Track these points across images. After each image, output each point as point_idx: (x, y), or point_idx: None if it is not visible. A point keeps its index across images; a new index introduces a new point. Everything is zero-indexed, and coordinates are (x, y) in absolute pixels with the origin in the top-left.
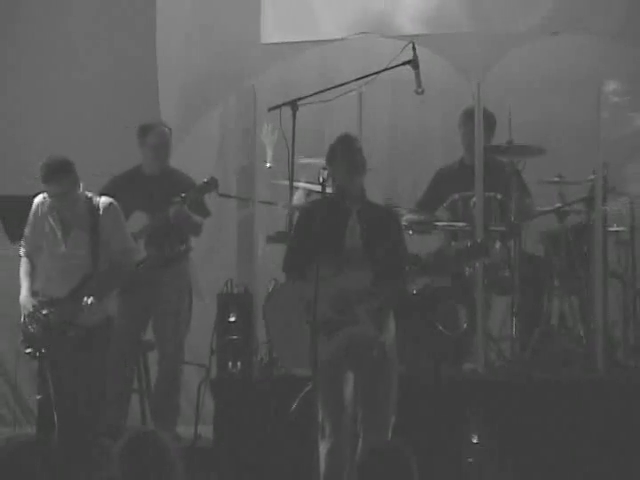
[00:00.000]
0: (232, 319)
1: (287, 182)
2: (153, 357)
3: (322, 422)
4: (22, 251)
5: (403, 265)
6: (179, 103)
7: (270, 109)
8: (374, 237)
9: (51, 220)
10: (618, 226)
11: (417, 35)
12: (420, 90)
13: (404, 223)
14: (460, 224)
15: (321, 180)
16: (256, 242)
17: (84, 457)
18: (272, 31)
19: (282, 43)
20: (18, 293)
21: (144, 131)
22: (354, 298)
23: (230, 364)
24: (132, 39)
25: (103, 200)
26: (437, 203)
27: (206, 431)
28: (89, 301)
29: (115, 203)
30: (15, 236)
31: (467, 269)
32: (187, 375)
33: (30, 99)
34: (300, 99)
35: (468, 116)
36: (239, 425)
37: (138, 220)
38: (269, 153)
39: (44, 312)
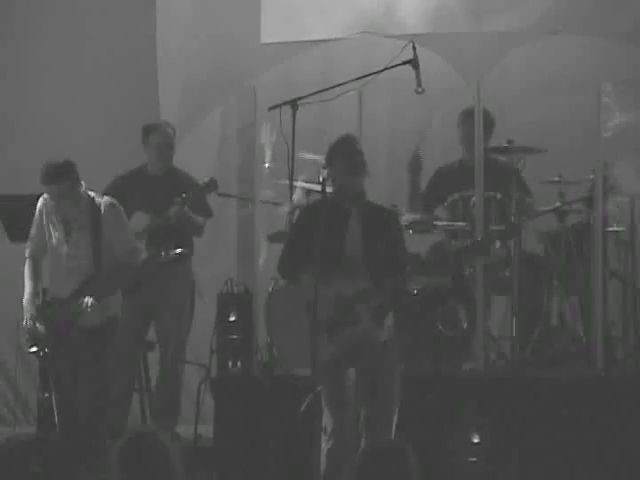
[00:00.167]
0: (232, 319)
1: (287, 181)
2: (153, 357)
3: (324, 421)
4: (27, 252)
5: (403, 265)
6: (179, 103)
7: (270, 108)
8: (374, 237)
9: (54, 220)
10: (618, 225)
11: (417, 35)
12: (420, 90)
13: (404, 223)
14: (460, 224)
15: (321, 179)
16: (256, 242)
17: (84, 457)
18: (272, 31)
19: (282, 43)
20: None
21: (148, 131)
22: (355, 298)
23: (230, 364)
24: (132, 39)
25: (105, 200)
26: (437, 202)
27: (206, 431)
28: (89, 302)
29: (117, 203)
30: (15, 236)
31: (467, 269)
32: (187, 375)
33: (30, 98)
34: (300, 99)
35: (467, 115)
36: (239, 425)
37: (141, 220)
38: (268, 153)
39: (48, 312)
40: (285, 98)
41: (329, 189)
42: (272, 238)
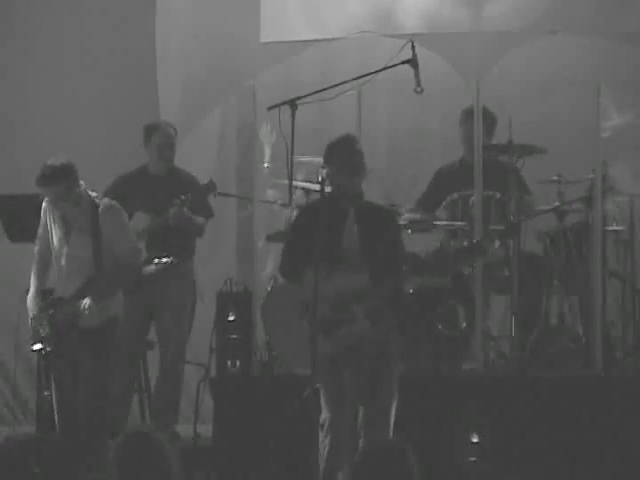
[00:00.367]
0: (231, 318)
1: (286, 181)
2: (152, 356)
3: (322, 420)
4: (36, 249)
5: (401, 264)
6: (179, 102)
7: (269, 108)
8: (372, 237)
9: (55, 221)
10: (617, 225)
11: (416, 34)
12: (419, 89)
13: (403, 222)
14: (459, 223)
15: (320, 179)
16: (256, 241)
17: (84, 457)
18: (271, 30)
19: (281, 42)
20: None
21: (149, 131)
22: (352, 297)
23: (229, 363)
24: (132, 39)
25: (104, 202)
26: (437, 202)
27: (205, 430)
28: (86, 304)
29: (116, 204)
30: (15, 236)
31: (466, 269)
32: (186, 374)
33: (29, 98)
34: (299, 98)
35: (468, 115)
36: (238, 424)
37: (142, 220)
38: (267, 153)
39: (51, 312)
40: (284, 98)
41: (328, 189)
42: (271, 238)
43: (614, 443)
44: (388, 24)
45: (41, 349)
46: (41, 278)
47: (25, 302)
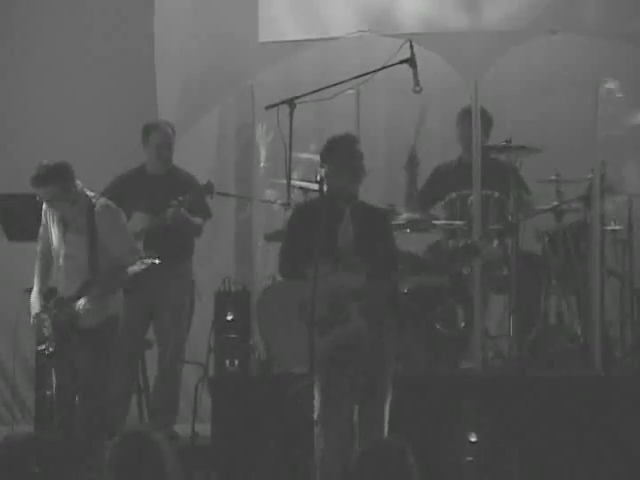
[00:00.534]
0: (230, 317)
1: (282, 180)
2: (150, 356)
3: (318, 419)
4: (38, 249)
5: (395, 264)
6: (177, 102)
7: (268, 107)
8: (366, 237)
9: (53, 221)
10: (615, 224)
11: (415, 34)
12: (418, 89)
13: (401, 221)
14: (458, 222)
15: (318, 178)
16: (254, 240)
17: (83, 456)
18: (270, 30)
19: (280, 42)
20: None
21: (148, 131)
22: (348, 296)
23: (228, 362)
24: (130, 38)
25: (100, 202)
26: (433, 200)
27: (204, 429)
28: (81, 304)
29: (113, 205)
30: (13, 235)
31: (465, 268)
32: (185, 374)
33: (28, 98)
34: (298, 97)
35: (465, 115)
36: (237, 423)
37: (140, 220)
38: (263, 153)
39: (53, 312)
40: (283, 97)
41: (312, 185)
42: (270, 237)
43: (613, 443)
44: (386, 24)
45: (44, 349)
46: (43, 277)
47: (24, 302)
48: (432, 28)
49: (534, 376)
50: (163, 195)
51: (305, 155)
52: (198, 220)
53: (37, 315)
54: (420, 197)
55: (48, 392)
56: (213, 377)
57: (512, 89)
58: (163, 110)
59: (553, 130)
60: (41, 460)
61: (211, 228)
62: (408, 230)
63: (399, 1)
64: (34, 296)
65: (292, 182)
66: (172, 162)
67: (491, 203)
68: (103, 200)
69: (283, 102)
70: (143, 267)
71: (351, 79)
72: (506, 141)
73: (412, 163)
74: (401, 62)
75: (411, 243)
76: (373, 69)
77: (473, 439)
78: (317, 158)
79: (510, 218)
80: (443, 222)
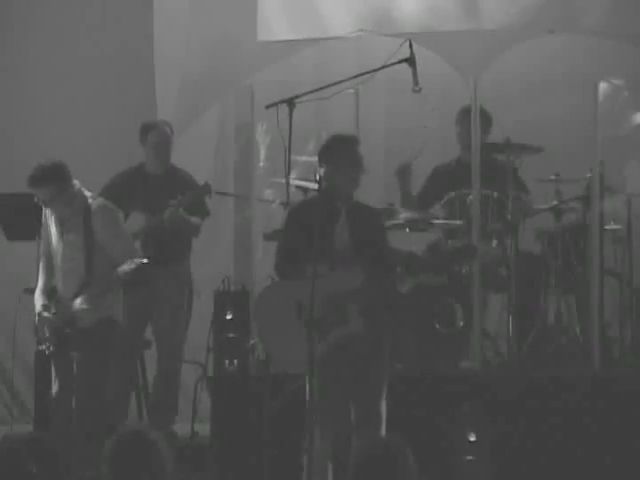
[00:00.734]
0: (229, 317)
1: (281, 180)
2: (149, 355)
3: (313, 420)
4: (40, 249)
5: (390, 264)
6: (176, 102)
7: (267, 107)
8: (362, 237)
9: (53, 220)
10: (615, 224)
11: (414, 33)
12: (417, 88)
13: (400, 221)
14: (457, 222)
15: (318, 177)
16: (253, 240)
17: (82, 455)
18: (269, 29)
19: (279, 41)
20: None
21: (146, 130)
22: (346, 298)
23: (227, 362)
24: (129, 38)
25: (96, 202)
26: (433, 201)
27: (203, 429)
28: (77, 304)
29: (110, 205)
30: (12, 235)
31: (464, 267)
32: (184, 373)
33: (27, 98)
34: (297, 97)
35: (464, 114)
36: (236, 423)
37: (138, 219)
38: (262, 152)
39: (53, 311)
40: (282, 97)
41: (311, 185)
42: (269, 237)
43: (612, 442)
44: (386, 23)
45: (44, 349)
46: (46, 277)
47: (23, 301)
48: (431, 28)
49: (533, 375)
50: (161, 194)
51: (303, 158)
52: (196, 220)
53: (39, 314)
54: (419, 197)
55: (48, 391)
56: (212, 376)
57: (511, 89)
58: (162, 110)
59: (552, 130)
60: (40, 460)
61: (210, 227)
62: (407, 229)
63: (398, 1)
64: (37, 294)
65: (291, 181)
66: (170, 161)
67: (490, 203)
68: (100, 200)
69: (282, 101)
70: (132, 267)
71: (350, 78)
72: (505, 140)
73: (403, 171)
74: (400, 62)
75: (410, 242)
76: (372, 69)
77: (472, 438)
78: (315, 159)
79: (509, 218)
80: (442, 221)
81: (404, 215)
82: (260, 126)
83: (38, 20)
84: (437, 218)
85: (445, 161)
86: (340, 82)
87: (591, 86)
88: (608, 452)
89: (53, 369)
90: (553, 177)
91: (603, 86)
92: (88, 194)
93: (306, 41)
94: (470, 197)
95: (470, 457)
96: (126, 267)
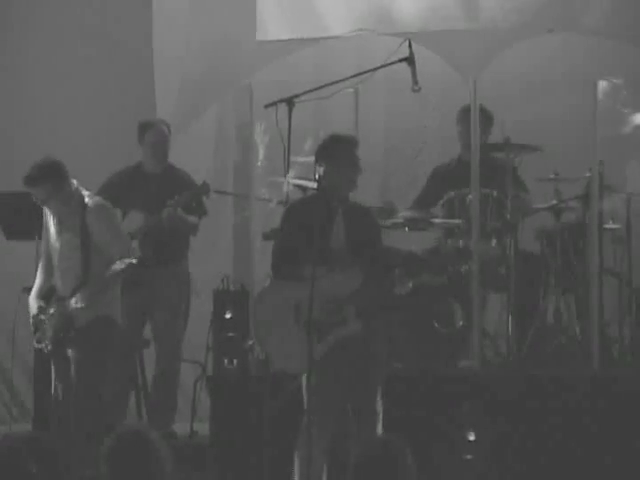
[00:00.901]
0: (228, 316)
1: (280, 179)
2: (148, 355)
3: (311, 420)
4: (41, 249)
5: (386, 264)
6: (176, 100)
7: (266, 106)
8: (358, 237)
9: (52, 219)
10: (614, 223)
11: (413, 32)
12: (417, 87)
13: (400, 220)
14: (456, 221)
15: (317, 177)
16: (253, 239)
17: (80, 454)
18: (268, 28)
19: (278, 41)
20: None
21: (143, 129)
22: (343, 299)
23: (226, 361)
24: (129, 37)
25: (93, 201)
26: (435, 200)
27: (202, 428)
28: (73, 302)
29: (106, 204)
30: (11, 234)
31: (463, 267)
32: (183, 372)
33: (27, 97)
34: (296, 96)
35: (465, 113)
36: (235, 422)
37: (137, 218)
38: (261, 151)
39: (51, 311)
40: (281, 96)
41: (309, 183)
42: (268, 236)
43: (610, 441)
44: (385, 23)
45: (43, 347)
46: (45, 277)
47: (22, 301)
48: (431, 27)
49: (532, 375)
50: (159, 194)
51: (302, 158)
52: (194, 219)
53: (34, 316)
54: (421, 198)
55: (47, 391)
56: (212, 376)
57: (510, 88)
58: (161, 109)
59: (551, 129)
60: (39, 459)
61: (210, 227)
62: (407, 229)
63: (398, 0)
64: (32, 297)
65: (290, 180)
66: (168, 160)
67: (490, 202)
68: (96, 199)
69: (282, 101)
70: (122, 266)
71: (350, 78)
72: (504, 140)
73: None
74: (400, 61)
75: (410, 242)
76: (372, 68)
77: (471, 438)
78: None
79: (508, 217)
80: (441, 221)
81: (403, 214)
82: (259, 125)
83: (38, 20)
84: (436, 217)
85: (445, 161)
86: (339, 81)
87: (590, 85)
88: (608, 452)
89: (52, 368)
90: (552, 176)
91: (602, 84)
92: (85, 193)
93: (305, 41)
94: (469, 196)
95: (469, 456)
96: (116, 267)
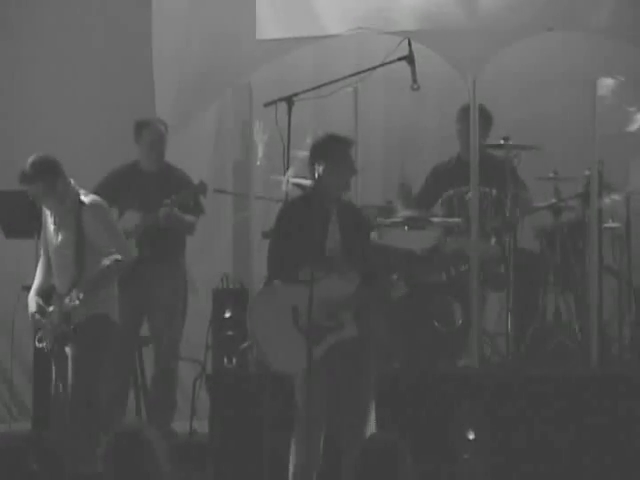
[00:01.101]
0: (228, 315)
1: (279, 177)
2: (148, 354)
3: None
4: (41, 247)
5: (382, 265)
6: (175, 99)
7: (266, 105)
8: (352, 237)
9: (49, 217)
10: (613, 222)
11: (413, 31)
12: (416, 86)
13: (399, 219)
14: (455, 220)
15: (316, 175)
16: (252, 238)
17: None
18: (267, 27)
19: (277, 39)
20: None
21: (140, 127)
22: (340, 303)
23: (225, 360)
24: (128, 35)
25: (88, 199)
26: (434, 199)
27: (201, 426)
28: (67, 300)
29: (101, 203)
30: (10, 232)
31: (462, 266)
32: (183, 371)
33: (26, 96)
34: (296, 95)
35: (465, 112)
36: (234, 420)
37: (134, 217)
38: (260, 150)
39: (50, 309)
40: (281, 95)
41: (308, 182)
42: (267, 235)
43: (609, 440)
44: (384, 21)
45: (43, 347)
46: (44, 275)
47: (22, 299)
48: (430, 26)
49: (531, 373)
50: (156, 192)
51: (302, 153)
52: (190, 218)
53: (32, 315)
54: (420, 197)
55: (46, 390)
56: (211, 374)
57: (510, 87)
58: (161, 108)
59: (551, 128)
60: (40, 457)
61: (209, 225)
62: (406, 228)
63: None
64: (31, 295)
65: (289, 179)
66: (164, 159)
67: (489, 201)
68: (92, 197)
69: (281, 99)
70: (108, 263)
71: (349, 76)
72: (504, 139)
73: (404, 193)
74: (399, 59)
75: (409, 241)
76: (371, 66)
77: (471, 437)
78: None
79: (508, 216)
80: (441, 219)
81: (403, 213)
82: (258, 124)
83: (37, 20)
84: (436, 216)
85: (445, 159)
86: (339, 80)
87: (590, 84)
88: (607, 450)
89: (53, 368)
90: (552, 175)
91: (603, 81)
92: (81, 191)
93: (305, 39)
94: (469, 195)
95: (468, 455)
96: (103, 263)
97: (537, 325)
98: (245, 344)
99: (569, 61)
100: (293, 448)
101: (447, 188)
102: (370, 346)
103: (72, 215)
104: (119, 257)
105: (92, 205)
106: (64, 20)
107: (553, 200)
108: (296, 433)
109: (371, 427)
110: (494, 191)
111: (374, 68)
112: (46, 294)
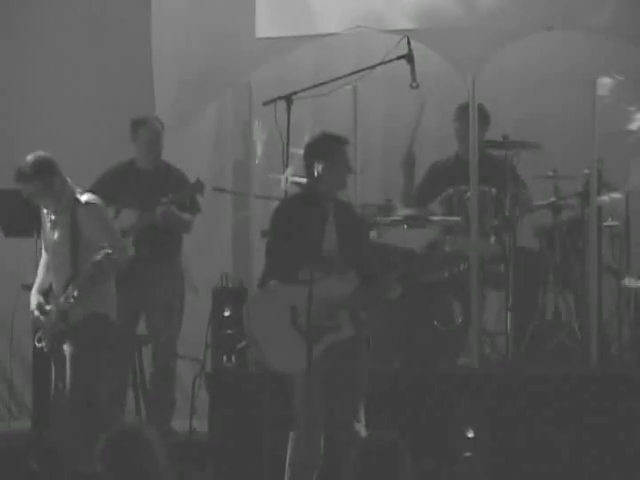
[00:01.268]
0: (227, 313)
1: (278, 176)
2: (147, 353)
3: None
4: (42, 245)
5: (382, 265)
6: (175, 99)
7: (265, 103)
8: (348, 238)
9: (46, 216)
10: (612, 220)
11: (412, 30)
12: (415, 85)
13: (398, 218)
14: (454, 219)
15: (316, 174)
16: (252, 236)
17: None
18: (267, 26)
19: (277, 38)
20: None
21: (136, 126)
22: (339, 304)
23: (225, 358)
24: (127, 34)
25: (84, 198)
26: (431, 197)
27: (201, 425)
28: (63, 299)
29: (97, 201)
30: (10, 231)
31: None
32: (182, 369)
33: (25, 95)
34: (295, 93)
35: (463, 111)
36: (234, 419)
37: (130, 216)
38: (259, 149)
39: (47, 308)
40: (280, 93)
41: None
42: (266, 233)
43: (608, 440)
44: (384, 19)
45: (42, 346)
46: (44, 272)
47: (21, 298)
48: (429, 25)
49: (531, 372)
50: (152, 190)
51: (302, 151)
52: (187, 216)
53: (32, 312)
54: (418, 194)
55: (46, 389)
56: (210, 373)
57: (509, 86)
58: (160, 107)
59: (550, 126)
60: (39, 456)
61: (208, 224)
62: (405, 226)
63: None
64: (33, 293)
65: (289, 178)
66: (161, 158)
67: (488, 199)
68: (86, 195)
69: (280, 98)
70: (99, 258)
71: (348, 75)
72: (503, 137)
73: (409, 161)
74: (399, 58)
75: (409, 239)
76: (370, 65)
77: (470, 435)
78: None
79: (507, 214)
80: (440, 218)
81: (402, 212)
82: (257, 123)
83: (37, 19)
84: (435, 215)
85: (443, 158)
86: (338, 79)
87: (589, 84)
88: (606, 450)
89: (53, 367)
90: (551, 174)
91: (604, 81)
92: (77, 189)
93: (304, 38)
94: (468, 194)
95: (468, 454)
96: (94, 259)
97: (536, 323)
98: (242, 343)
99: (569, 61)
100: (290, 446)
101: (446, 186)
102: (365, 346)
103: (68, 213)
104: (109, 250)
105: (88, 203)
106: (64, 20)
107: (552, 199)
108: (295, 433)
109: (362, 424)
110: (493, 190)
111: (373, 67)
112: (47, 292)
